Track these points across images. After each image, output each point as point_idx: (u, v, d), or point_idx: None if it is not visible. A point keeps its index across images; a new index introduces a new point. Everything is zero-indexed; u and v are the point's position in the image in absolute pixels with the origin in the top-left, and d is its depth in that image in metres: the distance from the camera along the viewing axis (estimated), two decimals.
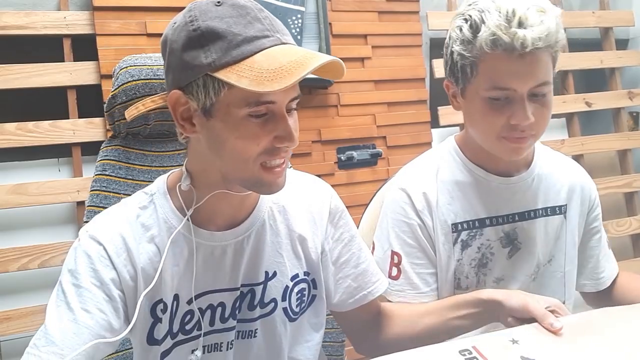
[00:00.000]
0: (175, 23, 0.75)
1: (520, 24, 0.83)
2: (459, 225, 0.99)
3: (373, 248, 1.04)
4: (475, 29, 0.87)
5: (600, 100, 2.31)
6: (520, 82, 0.86)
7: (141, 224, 0.80)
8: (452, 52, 0.93)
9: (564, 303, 1.01)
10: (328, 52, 1.78)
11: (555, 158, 1.08)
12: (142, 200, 0.83)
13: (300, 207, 0.90)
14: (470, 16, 0.88)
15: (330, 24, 1.86)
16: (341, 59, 0.73)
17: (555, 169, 1.05)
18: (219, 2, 0.72)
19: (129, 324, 0.76)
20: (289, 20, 1.77)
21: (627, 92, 2.35)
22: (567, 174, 1.06)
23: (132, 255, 0.78)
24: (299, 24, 1.78)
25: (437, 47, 2.14)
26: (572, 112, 2.28)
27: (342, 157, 1.87)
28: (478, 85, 0.90)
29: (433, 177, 1.01)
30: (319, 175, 1.84)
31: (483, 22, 0.86)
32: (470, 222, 1.00)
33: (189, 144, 0.81)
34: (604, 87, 2.40)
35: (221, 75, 0.68)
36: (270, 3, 1.74)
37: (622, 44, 2.45)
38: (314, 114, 1.85)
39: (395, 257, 1.00)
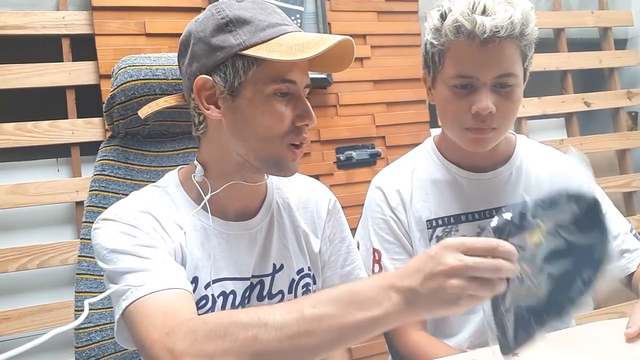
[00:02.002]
0: (198, 19, 0.81)
1: (483, 12, 0.87)
2: (434, 221, 1.01)
3: (357, 246, 1.06)
4: (443, 17, 0.92)
5: (599, 100, 2.31)
6: (483, 71, 0.89)
7: (162, 210, 0.82)
8: (425, 43, 0.97)
9: None
10: None
11: (538, 150, 1.08)
12: (156, 192, 0.85)
13: (302, 204, 0.94)
14: (442, 6, 0.93)
15: (329, 23, 1.85)
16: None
17: (538, 160, 1.05)
18: None
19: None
20: None
21: (626, 92, 2.35)
22: (549, 165, 1.04)
23: (166, 230, 0.80)
24: (298, 24, 1.78)
25: None
26: (571, 112, 2.28)
27: (341, 157, 1.87)
28: (445, 73, 0.93)
29: (408, 175, 1.05)
30: (317, 175, 1.85)
31: (450, 10, 0.90)
32: (445, 219, 1.01)
33: (203, 135, 0.84)
34: (602, 87, 2.40)
35: (252, 52, 0.74)
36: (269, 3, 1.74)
37: (621, 44, 2.45)
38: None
39: (376, 254, 1.03)
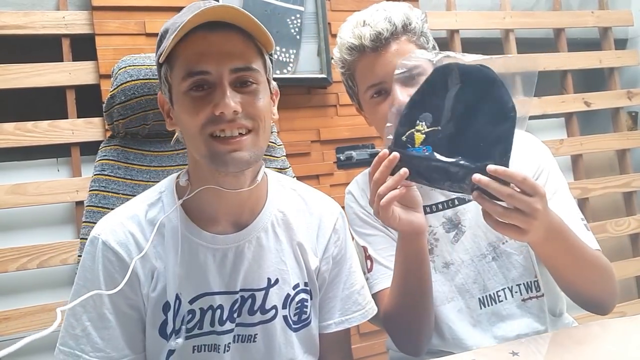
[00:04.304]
0: None
1: (364, 24, 0.95)
2: None
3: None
4: (339, 47, 1.01)
5: (599, 100, 2.31)
6: (380, 73, 0.94)
7: (149, 221, 0.83)
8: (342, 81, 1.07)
9: (535, 279, 1.00)
10: (327, 52, 1.78)
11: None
12: (152, 197, 0.86)
13: (305, 220, 0.92)
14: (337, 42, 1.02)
15: (329, 23, 1.85)
16: None
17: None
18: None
19: (147, 321, 0.82)
20: (288, 20, 1.77)
21: (626, 92, 2.35)
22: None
23: (146, 255, 0.80)
24: (298, 24, 1.78)
25: None
26: (571, 112, 2.28)
27: (341, 157, 1.87)
28: (362, 92, 1.00)
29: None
30: (317, 175, 1.84)
31: (340, 37, 0.99)
32: None
33: None
34: (602, 87, 2.40)
35: (161, 59, 0.77)
36: (269, 3, 1.74)
37: (621, 44, 2.45)
38: (313, 113, 1.85)
39: (364, 250, 1.06)
